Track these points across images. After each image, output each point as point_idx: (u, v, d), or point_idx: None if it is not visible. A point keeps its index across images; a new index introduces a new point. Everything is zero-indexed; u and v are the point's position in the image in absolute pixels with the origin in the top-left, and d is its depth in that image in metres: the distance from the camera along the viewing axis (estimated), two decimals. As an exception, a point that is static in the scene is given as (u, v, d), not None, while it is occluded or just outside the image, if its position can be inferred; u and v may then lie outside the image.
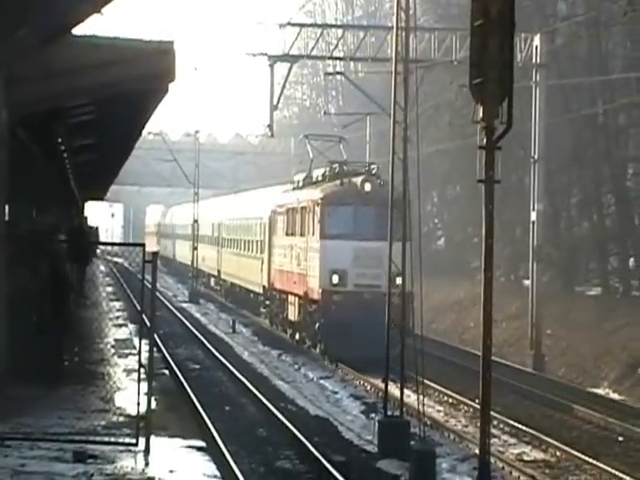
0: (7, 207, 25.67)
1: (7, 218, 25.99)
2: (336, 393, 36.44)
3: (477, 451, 20.83)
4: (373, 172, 37.39)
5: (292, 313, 39.11)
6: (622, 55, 52.52)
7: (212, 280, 79.06)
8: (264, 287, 50.26)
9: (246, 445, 26.75)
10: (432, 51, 45.11)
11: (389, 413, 29.29)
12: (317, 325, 34.74)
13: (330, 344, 32.27)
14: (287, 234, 40.81)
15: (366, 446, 27.77)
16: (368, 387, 37.63)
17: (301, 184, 47.40)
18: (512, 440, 31.07)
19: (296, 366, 43.28)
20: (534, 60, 49.02)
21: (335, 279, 32.88)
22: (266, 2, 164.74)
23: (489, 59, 21.20)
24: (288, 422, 30.20)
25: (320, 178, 43.59)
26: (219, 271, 73.16)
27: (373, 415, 31.65)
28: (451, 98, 56.99)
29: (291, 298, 40.15)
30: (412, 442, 26.80)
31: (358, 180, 34.88)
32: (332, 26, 53.35)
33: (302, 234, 39.52)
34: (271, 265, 47.22)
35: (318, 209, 35.13)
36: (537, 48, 48.81)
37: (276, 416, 31.24)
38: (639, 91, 48.44)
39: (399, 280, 30.69)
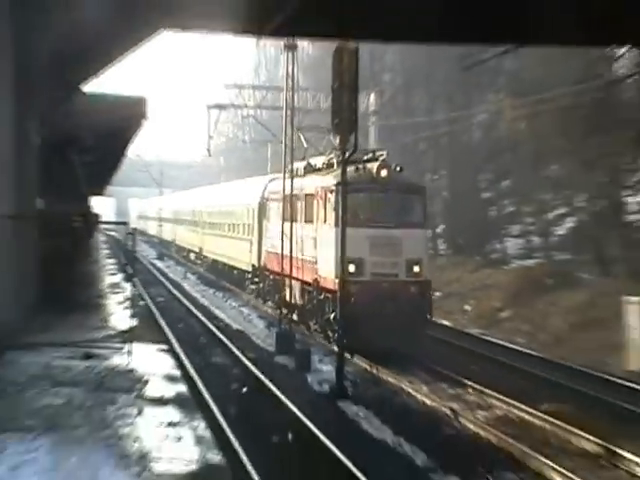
0: (37, 200, 26.16)
1: (38, 207, 26.61)
2: (250, 315, 36.20)
3: (336, 348, 21.17)
4: (382, 158, 26.92)
5: (292, 295, 30.35)
6: (424, 107, 53.00)
7: (192, 255, 66.28)
8: (253, 266, 39.93)
9: (192, 347, 26.76)
10: (308, 102, 45.49)
11: (282, 327, 28.89)
12: (332, 316, 25.02)
13: (347, 336, 22.59)
14: (286, 220, 30.78)
15: (268, 348, 27.78)
16: (269, 311, 36.41)
17: (302, 172, 32.80)
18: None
19: (224, 299, 43.00)
20: (370, 109, 49.39)
21: (352, 268, 23.91)
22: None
23: (343, 108, 21.41)
24: (219, 333, 30.00)
25: (325, 165, 30.94)
26: (200, 248, 60.61)
27: (272, 329, 30.82)
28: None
29: (289, 281, 30.56)
30: (296, 345, 26.69)
31: (374, 166, 25.81)
32: (246, 87, 52.95)
33: (308, 221, 29.02)
34: (262, 247, 37.57)
35: (332, 196, 25.55)
36: (372, 101, 49.25)
37: (211, 330, 31.03)
38: (432, 128, 48.66)
39: (417, 268, 24.78)
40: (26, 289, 23.17)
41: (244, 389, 21.66)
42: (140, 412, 16.29)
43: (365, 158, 26.75)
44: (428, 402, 20.95)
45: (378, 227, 24.31)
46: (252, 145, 64.12)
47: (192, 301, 40.09)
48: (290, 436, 17.11)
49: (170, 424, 16.18)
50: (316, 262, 26.08)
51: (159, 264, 68.70)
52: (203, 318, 33.63)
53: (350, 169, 24.82)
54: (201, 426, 16.47)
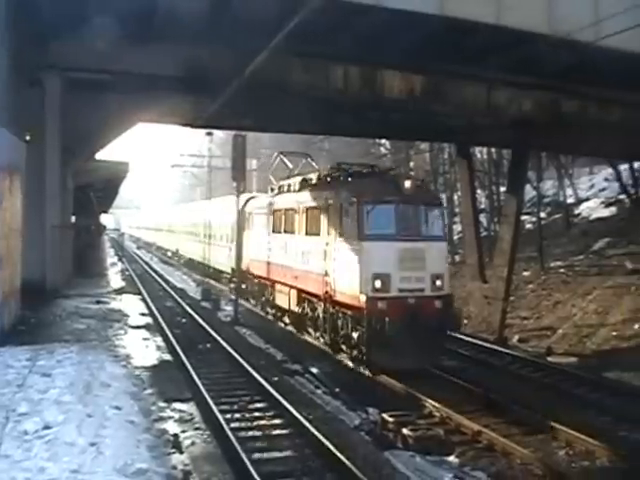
0: (73, 217, 25.91)
1: (73, 221, 26.41)
2: (186, 280, 35.79)
3: (233, 297, 21.23)
4: (377, 170, 17.12)
5: (285, 302, 19.55)
6: (283, 168, 52.89)
7: (169, 252, 53.18)
8: (233, 269, 26.56)
9: (155, 297, 26.33)
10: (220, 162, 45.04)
11: (205, 286, 28.69)
12: (357, 334, 14.56)
13: (375, 356, 14.31)
14: (277, 231, 20.27)
15: (197, 297, 27.52)
16: (198, 278, 35.58)
17: (297, 187, 19.65)
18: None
19: (173, 270, 42.09)
20: (253, 167, 48.45)
21: (378, 284, 14.16)
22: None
23: (238, 167, 21.39)
24: (168, 288, 29.74)
25: (325, 180, 18.10)
26: (177, 249, 48.33)
27: (200, 286, 30.63)
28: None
29: (282, 287, 19.82)
30: (212, 296, 26.67)
31: (396, 177, 16.06)
32: (185, 155, 52.35)
33: (312, 234, 17.08)
34: (244, 254, 24.30)
35: (353, 208, 14.83)
36: (254, 163, 48.62)
37: (165, 288, 30.46)
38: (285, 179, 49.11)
39: (439, 282, 14.53)
40: (67, 266, 23.06)
41: (183, 319, 21.66)
42: (126, 332, 16.49)
43: (367, 170, 17.14)
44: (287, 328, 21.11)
45: (405, 240, 14.49)
46: (189, 186, 63.91)
47: (156, 272, 39.67)
48: (208, 344, 17.46)
49: (143, 339, 16.45)
50: (326, 275, 15.91)
51: (138, 252, 67.21)
52: (161, 281, 33.32)
53: (372, 180, 15.89)
54: (159, 340, 16.79)
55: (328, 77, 16.36)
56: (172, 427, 10.15)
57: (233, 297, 22.84)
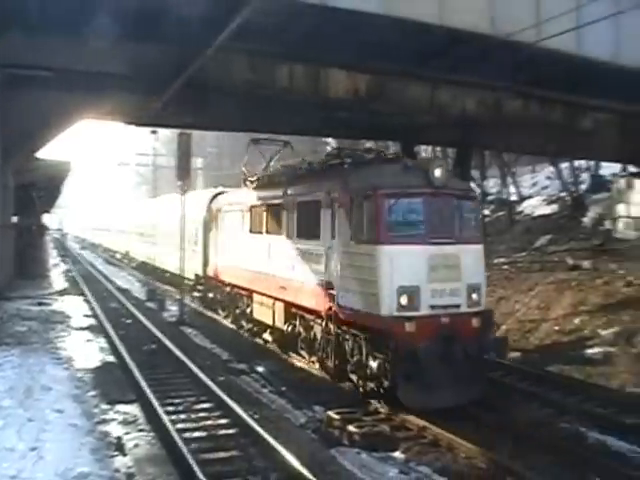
0: (15, 217, 25.62)
1: (14, 221, 26.10)
2: (131, 280, 35.38)
3: (179, 297, 21.04)
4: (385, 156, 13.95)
5: (267, 316, 16.15)
6: (228, 165, 52.72)
7: (118, 254, 49.54)
8: (197, 275, 23.81)
9: (99, 298, 25.86)
10: (165, 161, 44.53)
11: (150, 287, 28.38)
12: (377, 364, 11.07)
13: (404, 391, 10.94)
14: (256, 232, 16.82)
15: (142, 297, 27.21)
16: (143, 279, 34.98)
17: (283, 178, 15.93)
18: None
19: (118, 270, 41.47)
20: (198, 166, 47.90)
21: (404, 300, 10.52)
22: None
23: (183, 165, 21.19)
24: (113, 288, 29.20)
25: (324, 167, 14.48)
26: (127, 251, 44.68)
27: (145, 287, 30.32)
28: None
29: (263, 299, 16.50)
30: (157, 296, 26.44)
31: (425, 164, 11.68)
32: (132, 154, 51.54)
33: (306, 235, 13.49)
34: (211, 258, 21.46)
35: (369, 203, 11.07)
36: (200, 161, 48.23)
37: (109, 289, 29.86)
38: (234, 177, 49.13)
39: (476, 296, 11.46)
40: (8, 267, 22.63)
41: (128, 320, 21.29)
42: (69, 334, 16.28)
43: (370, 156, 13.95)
44: (230, 326, 20.74)
45: (437, 243, 11.29)
46: (136, 184, 63.22)
47: (100, 273, 39.01)
48: (153, 345, 17.22)
49: (87, 341, 16.25)
50: (329, 287, 12.56)
51: (82, 252, 65.94)
52: (106, 282, 32.75)
53: (390, 167, 12.50)
54: (103, 341, 16.58)
55: (274, 76, 16.31)
56: (115, 429, 10.02)
57: (179, 297, 22.58)
